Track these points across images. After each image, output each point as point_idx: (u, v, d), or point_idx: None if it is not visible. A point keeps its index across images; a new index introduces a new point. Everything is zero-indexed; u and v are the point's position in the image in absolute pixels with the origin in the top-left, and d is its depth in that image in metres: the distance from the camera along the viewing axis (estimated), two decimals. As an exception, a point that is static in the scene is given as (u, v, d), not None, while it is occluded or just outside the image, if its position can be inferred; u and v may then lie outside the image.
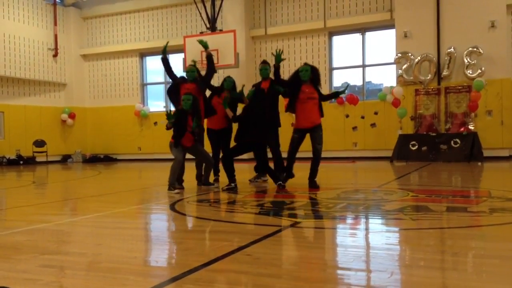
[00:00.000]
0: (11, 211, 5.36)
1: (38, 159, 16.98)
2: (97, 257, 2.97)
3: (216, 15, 15.24)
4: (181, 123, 6.44)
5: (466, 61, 12.70)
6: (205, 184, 6.94)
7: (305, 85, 6.50)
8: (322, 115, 6.65)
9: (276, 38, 16.00)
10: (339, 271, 2.60)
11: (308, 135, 6.62)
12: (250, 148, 6.83)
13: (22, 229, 3.98)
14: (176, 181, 6.52)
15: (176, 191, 6.28)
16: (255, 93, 7.08)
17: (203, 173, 7.05)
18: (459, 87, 12.96)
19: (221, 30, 15.18)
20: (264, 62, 7.60)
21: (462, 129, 12.68)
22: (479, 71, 12.52)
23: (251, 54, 16.17)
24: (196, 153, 6.81)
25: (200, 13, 15.34)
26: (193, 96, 6.57)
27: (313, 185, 6.51)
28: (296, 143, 6.68)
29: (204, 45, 7.53)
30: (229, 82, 7.53)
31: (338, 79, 15.84)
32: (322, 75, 15.49)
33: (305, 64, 6.74)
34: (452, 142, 12.36)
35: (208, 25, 15.27)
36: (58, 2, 18.11)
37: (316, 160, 6.62)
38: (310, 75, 6.46)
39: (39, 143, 17.14)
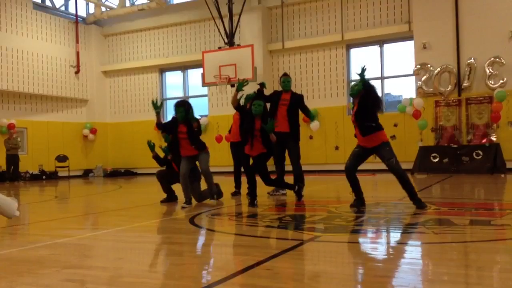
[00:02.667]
0: (34, 225, 5.44)
1: (60, 174, 17.25)
2: (118, 271, 2.99)
3: (234, 30, 15.41)
4: (174, 131, 6.56)
5: (488, 71, 12.54)
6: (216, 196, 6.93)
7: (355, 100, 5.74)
8: (363, 132, 5.54)
9: (294, 51, 16.07)
10: (360, 286, 2.57)
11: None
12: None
13: (45, 243, 4.04)
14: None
15: (184, 205, 6.36)
16: (274, 105, 7.12)
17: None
18: (480, 98, 12.78)
19: (239, 45, 15.32)
20: (286, 75, 7.64)
21: (484, 140, 12.47)
22: (501, 81, 12.35)
23: (268, 68, 16.25)
24: (200, 159, 6.59)
25: (218, 29, 15.52)
26: (185, 106, 6.47)
27: (419, 205, 5.42)
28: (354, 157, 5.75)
29: (155, 105, 6.73)
30: (257, 106, 6.61)
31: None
32: (340, 88, 15.53)
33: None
34: (474, 153, 12.15)
35: (226, 40, 15.44)
36: (80, 20, 18.53)
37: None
38: (359, 90, 5.60)
39: (61, 158, 17.42)
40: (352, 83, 5.86)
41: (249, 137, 6.28)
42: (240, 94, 6.71)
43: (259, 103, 6.37)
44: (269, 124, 6.18)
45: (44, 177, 16.57)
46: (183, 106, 6.51)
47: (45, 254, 3.61)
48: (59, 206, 8.06)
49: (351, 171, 5.72)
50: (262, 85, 7.22)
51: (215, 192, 6.80)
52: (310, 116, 7.47)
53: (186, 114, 6.44)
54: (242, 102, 6.66)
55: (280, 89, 7.56)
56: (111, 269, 3.09)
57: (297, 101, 7.42)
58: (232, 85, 15.21)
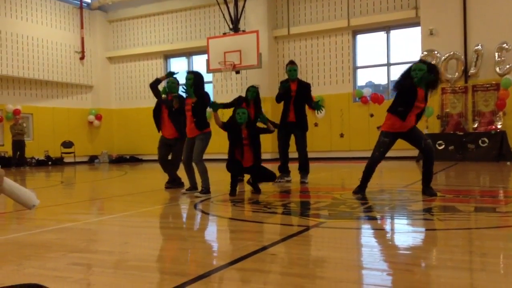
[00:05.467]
0: (40, 210, 5.49)
1: (66, 160, 17.36)
2: (124, 256, 3.02)
3: (239, 15, 15.31)
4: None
5: (497, 57, 12.41)
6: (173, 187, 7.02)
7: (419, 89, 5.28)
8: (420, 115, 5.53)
9: (299, 37, 15.97)
10: (364, 272, 2.58)
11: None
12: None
13: (51, 228, 4.08)
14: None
15: (185, 191, 6.41)
16: (285, 93, 7.13)
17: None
18: (487, 85, 12.69)
19: (244, 31, 15.23)
20: (292, 63, 7.51)
21: (490, 127, 12.40)
22: (507, 66, 12.24)
23: (274, 54, 16.17)
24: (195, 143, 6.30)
25: (223, 14, 15.42)
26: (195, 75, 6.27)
27: (429, 192, 5.33)
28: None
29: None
30: (252, 92, 7.29)
31: (363, 78, 15.73)
32: (346, 74, 15.43)
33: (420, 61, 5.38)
34: (480, 141, 12.10)
35: (231, 26, 15.35)
36: (85, 5, 18.46)
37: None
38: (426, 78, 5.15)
39: (67, 144, 17.51)
40: (416, 70, 5.20)
41: (239, 148, 6.04)
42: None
43: (243, 111, 6.08)
44: (261, 116, 6.16)
45: (50, 163, 16.68)
46: (192, 74, 6.21)
47: (52, 238, 3.64)
48: (65, 191, 8.11)
49: (378, 163, 5.61)
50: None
51: (205, 186, 6.13)
52: (313, 106, 7.24)
53: (193, 84, 6.07)
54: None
55: (286, 77, 7.51)
56: (117, 253, 3.11)
57: (303, 90, 7.37)
58: (237, 72, 15.15)
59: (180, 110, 6.61)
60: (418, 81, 5.09)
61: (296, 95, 7.26)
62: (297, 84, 7.35)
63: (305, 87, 7.42)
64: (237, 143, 6.06)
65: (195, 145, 6.19)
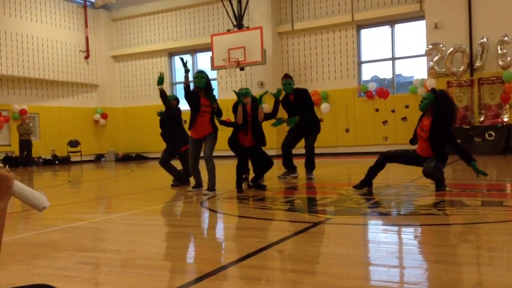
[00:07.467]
0: (48, 210, 5.51)
1: (72, 159, 17.43)
2: (132, 254, 3.03)
3: (242, 12, 15.28)
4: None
5: (499, 50, 12.33)
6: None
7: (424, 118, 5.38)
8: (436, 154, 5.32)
9: (303, 33, 15.92)
10: (371, 268, 2.58)
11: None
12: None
13: (59, 227, 4.10)
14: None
15: (191, 189, 6.42)
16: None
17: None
18: (493, 78, 12.60)
19: (247, 27, 15.21)
20: (286, 76, 7.51)
21: (497, 120, 12.32)
22: (509, 58, 12.16)
23: (278, 50, 16.14)
24: (206, 141, 6.35)
25: (227, 11, 15.40)
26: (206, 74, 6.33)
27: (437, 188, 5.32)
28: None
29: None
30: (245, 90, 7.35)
31: (367, 73, 15.67)
32: (351, 69, 15.37)
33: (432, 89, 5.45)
34: (486, 134, 12.03)
35: (234, 23, 15.33)
36: (89, 4, 18.49)
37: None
38: (428, 105, 5.26)
39: (73, 143, 17.58)
40: (423, 98, 5.37)
41: (244, 125, 6.16)
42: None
43: (245, 89, 6.35)
44: (259, 98, 6.32)
45: (56, 162, 16.76)
46: (205, 73, 6.23)
47: (60, 238, 3.67)
48: (72, 190, 8.16)
49: (387, 160, 5.65)
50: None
51: (212, 183, 6.10)
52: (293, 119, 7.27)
53: (207, 82, 6.14)
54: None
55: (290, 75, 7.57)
56: (125, 251, 3.13)
57: (301, 97, 7.39)
58: (242, 69, 15.13)
59: (171, 121, 7.18)
60: (421, 107, 5.35)
61: (297, 105, 7.29)
62: (294, 95, 7.36)
63: (302, 94, 7.42)
64: (243, 120, 6.15)
65: (208, 142, 6.20)
